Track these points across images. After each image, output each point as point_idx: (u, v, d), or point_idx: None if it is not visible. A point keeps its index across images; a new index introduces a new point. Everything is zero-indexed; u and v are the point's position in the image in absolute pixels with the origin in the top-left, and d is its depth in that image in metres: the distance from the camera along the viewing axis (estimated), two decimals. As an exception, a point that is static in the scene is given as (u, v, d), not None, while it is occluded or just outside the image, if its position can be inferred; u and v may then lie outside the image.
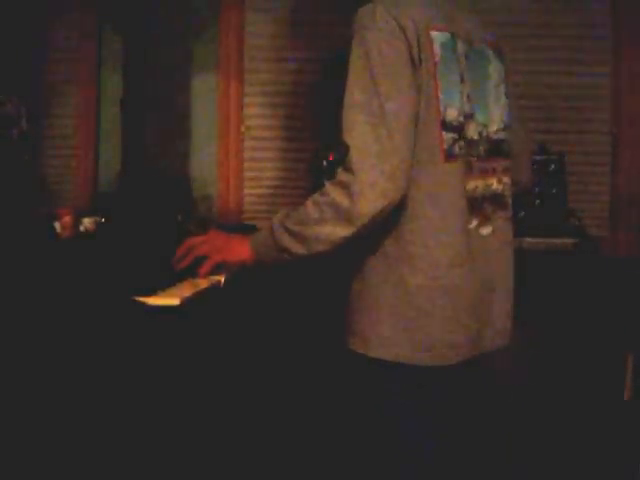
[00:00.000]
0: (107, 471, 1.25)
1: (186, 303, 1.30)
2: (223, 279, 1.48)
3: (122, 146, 2.53)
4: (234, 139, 2.67)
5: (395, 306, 1.25)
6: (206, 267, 1.44)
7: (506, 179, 1.39)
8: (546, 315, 2.19)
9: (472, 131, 1.31)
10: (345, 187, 1.19)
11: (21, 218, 2.05)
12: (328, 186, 1.23)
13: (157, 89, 2.65)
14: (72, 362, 1.21)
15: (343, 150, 1.21)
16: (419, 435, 1.30)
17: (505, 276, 1.38)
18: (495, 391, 1.44)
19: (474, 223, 1.30)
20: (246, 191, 2.69)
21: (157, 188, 2.50)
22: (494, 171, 1.35)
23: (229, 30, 2.66)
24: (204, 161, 2.69)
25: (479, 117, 1.33)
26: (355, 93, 1.20)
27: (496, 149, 1.36)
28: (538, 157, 2.47)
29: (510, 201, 1.41)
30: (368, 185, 1.17)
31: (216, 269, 1.45)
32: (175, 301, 1.28)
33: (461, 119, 1.28)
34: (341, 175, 1.21)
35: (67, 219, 2.09)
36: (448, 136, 1.25)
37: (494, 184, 1.35)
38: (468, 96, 1.30)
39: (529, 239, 2.24)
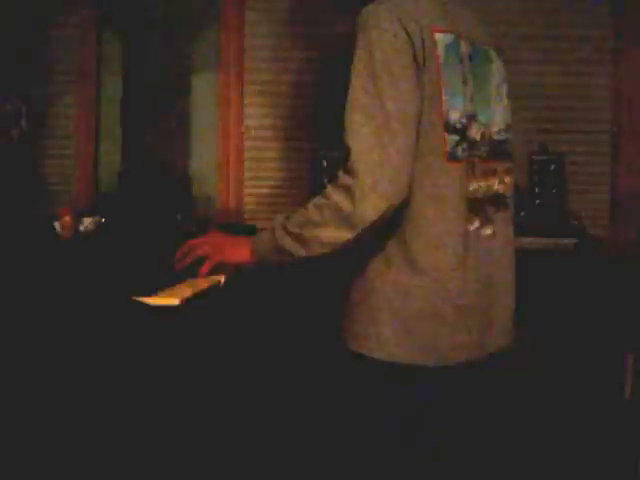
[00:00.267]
0: (107, 471, 1.25)
1: (186, 303, 1.30)
2: (223, 279, 1.48)
3: (122, 146, 2.53)
4: (234, 139, 2.67)
5: (396, 307, 1.25)
6: (205, 267, 1.45)
7: (507, 180, 1.38)
8: (546, 315, 2.19)
9: (474, 132, 1.30)
10: (346, 190, 1.19)
11: (21, 218, 2.05)
12: (329, 189, 1.23)
13: (157, 89, 2.65)
14: (72, 362, 1.21)
15: (344, 152, 1.20)
16: (420, 436, 1.30)
17: (507, 276, 1.38)
18: (498, 392, 1.43)
19: (476, 224, 1.30)
20: (246, 191, 2.70)
21: (157, 188, 2.50)
22: (495, 172, 1.35)
23: (229, 30, 2.66)
24: (204, 161, 2.69)
25: (481, 118, 1.32)
26: (357, 95, 1.20)
27: (498, 150, 1.36)
28: (538, 157, 2.47)
29: (511, 202, 1.41)
30: (369, 188, 1.16)
31: (216, 269, 1.46)
32: (175, 301, 1.28)
33: (464, 120, 1.27)
34: (342, 178, 1.20)
35: (67, 219, 2.09)
36: (451, 138, 1.25)
37: (495, 185, 1.35)
38: (471, 97, 1.29)
39: (529, 239, 2.24)
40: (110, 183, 2.64)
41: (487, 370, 1.36)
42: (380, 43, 1.19)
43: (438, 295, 1.25)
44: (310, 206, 1.25)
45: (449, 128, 1.25)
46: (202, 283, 1.43)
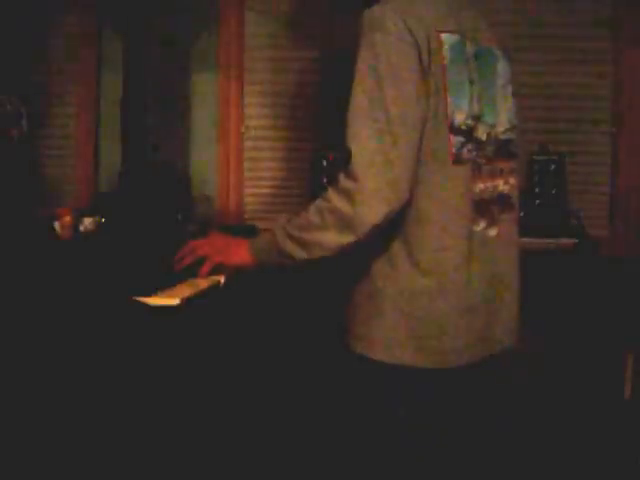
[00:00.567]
0: (107, 471, 1.25)
1: (186, 303, 1.30)
2: (223, 279, 1.48)
3: (122, 146, 2.53)
4: (234, 139, 2.67)
5: (399, 309, 1.25)
6: (206, 267, 1.45)
7: (512, 180, 1.37)
8: (546, 315, 2.19)
9: (480, 132, 1.29)
10: (347, 194, 1.18)
11: (21, 218, 2.05)
12: (330, 192, 1.22)
13: (157, 89, 2.65)
14: (72, 362, 1.21)
15: (346, 155, 1.19)
16: (422, 438, 1.29)
17: (511, 277, 1.37)
18: (500, 392, 1.43)
19: (482, 225, 1.29)
20: (246, 191, 2.70)
21: (157, 188, 2.50)
22: (501, 172, 1.34)
23: (229, 30, 2.66)
24: (204, 161, 2.69)
25: (488, 118, 1.31)
26: (360, 98, 1.18)
27: (503, 150, 1.35)
28: (538, 157, 2.47)
29: (516, 202, 1.40)
30: (371, 193, 1.16)
31: (216, 269, 1.46)
32: (175, 301, 1.28)
33: (469, 122, 1.26)
34: (343, 182, 1.19)
35: (67, 219, 2.09)
36: (456, 139, 1.24)
37: (500, 185, 1.34)
38: (477, 98, 1.28)
39: (529, 239, 2.24)
40: (110, 183, 2.64)
41: (490, 371, 1.36)
42: (384, 46, 1.17)
43: (442, 297, 1.24)
44: (311, 209, 1.24)
45: (454, 130, 1.24)
46: (202, 283, 1.44)
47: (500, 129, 1.34)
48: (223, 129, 2.67)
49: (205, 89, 2.68)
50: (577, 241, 2.30)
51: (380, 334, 1.26)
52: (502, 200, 1.34)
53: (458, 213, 1.25)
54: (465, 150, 1.25)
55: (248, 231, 2.43)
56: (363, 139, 1.17)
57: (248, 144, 2.68)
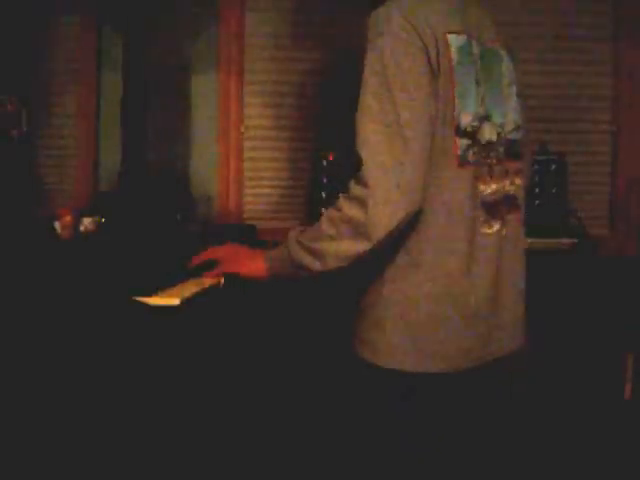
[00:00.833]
0: (107, 470, 1.25)
1: (186, 303, 1.30)
2: (223, 279, 1.48)
3: (122, 146, 2.53)
4: (234, 139, 2.67)
5: (404, 314, 1.24)
6: (215, 272, 1.45)
7: (518, 181, 1.36)
8: (546, 315, 2.19)
9: (488, 133, 1.28)
10: (360, 202, 1.16)
11: (21, 218, 2.05)
12: (341, 200, 1.20)
13: (157, 89, 2.65)
14: (72, 362, 1.21)
15: (355, 161, 1.17)
16: (426, 442, 1.29)
17: (516, 278, 1.36)
18: (504, 395, 1.43)
19: (495, 227, 1.28)
20: (246, 191, 2.69)
21: (157, 188, 2.50)
22: (507, 173, 1.33)
23: (229, 30, 2.66)
24: (204, 161, 2.69)
25: (496, 118, 1.30)
26: (369, 102, 1.17)
27: (510, 151, 1.34)
28: (538, 157, 2.47)
29: (522, 203, 1.39)
30: (384, 199, 1.14)
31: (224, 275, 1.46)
32: (175, 301, 1.28)
33: (475, 123, 1.24)
34: (355, 189, 1.17)
35: (67, 219, 2.09)
36: (462, 142, 1.23)
37: (507, 186, 1.33)
38: (483, 98, 1.27)
39: (529, 239, 2.23)
40: (110, 183, 2.64)
41: (494, 374, 1.35)
42: (393, 50, 1.16)
43: (447, 301, 1.24)
44: (324, 220, 1.22)
45: (460, 132, 1.22)
46: (202, 283, 1.44)
47: (508, 129, 1.33)
48: (223, 129, 2.67)
49: (205, 89, 2.68)
50: (577, 241, 2.30)
51: (384, 340, 1.25)
52: (508, 201, 1.33)
53: (463, 217, 1.24)
54: (470, 152, 1.24)
55: (248, 231, 2.43)
56: (373, 144, 1.16)
57: (248, 144, 2.68)
